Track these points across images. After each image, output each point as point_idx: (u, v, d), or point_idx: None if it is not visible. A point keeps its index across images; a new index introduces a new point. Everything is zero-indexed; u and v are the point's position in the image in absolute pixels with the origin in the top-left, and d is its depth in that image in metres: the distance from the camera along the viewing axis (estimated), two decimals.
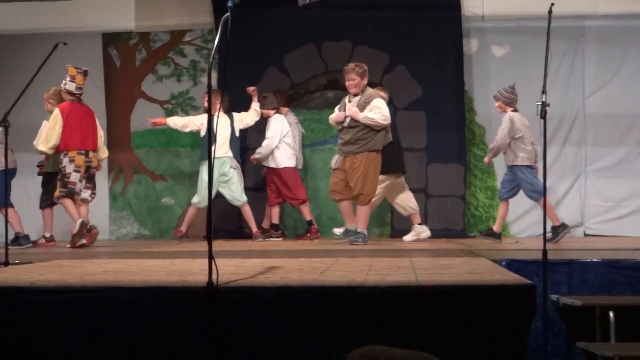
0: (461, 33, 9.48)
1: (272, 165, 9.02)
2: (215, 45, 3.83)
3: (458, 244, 7.68)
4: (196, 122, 8.86)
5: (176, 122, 8.95)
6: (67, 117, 7.86)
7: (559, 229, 7.71)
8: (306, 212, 9.06)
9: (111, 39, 10.26)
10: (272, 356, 3.51)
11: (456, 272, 4.20)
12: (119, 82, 10.22)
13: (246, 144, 9.47)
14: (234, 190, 8.73)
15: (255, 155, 9.05)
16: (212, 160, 3.71)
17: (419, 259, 5.27)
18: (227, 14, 3.77)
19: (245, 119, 8.94)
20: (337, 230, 8.07)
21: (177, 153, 10.06)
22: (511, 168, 7.85)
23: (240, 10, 3.95)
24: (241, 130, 9.00)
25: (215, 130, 4.03)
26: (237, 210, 9.12)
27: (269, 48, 9.61)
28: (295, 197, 9.01)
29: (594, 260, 5.38)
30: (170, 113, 9.98)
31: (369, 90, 7.73)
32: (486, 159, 8.16)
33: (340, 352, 2.09)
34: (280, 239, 9.01)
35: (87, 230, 7.86)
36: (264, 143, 8.96)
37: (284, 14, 9.38)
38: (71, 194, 7.87)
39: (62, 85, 8.00)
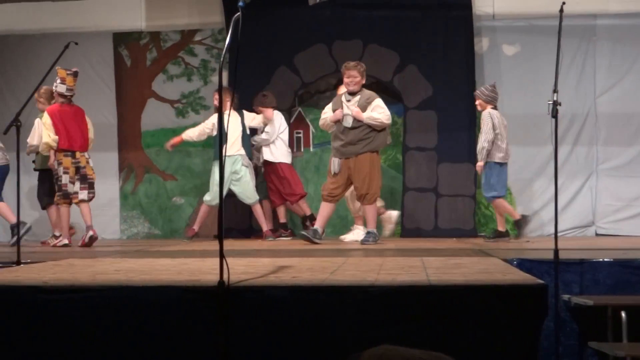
0: (472, 32, 9.46)
1: (270, 159, 9.09)
2: (226, 45, 3.81)
3: (469, 244, 7.67)
4: (208, 126, 8.88)
5: (190, 134, 8.98)
6: (52, 120, 7.91)
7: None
8: (305, 207, 9.09)
9: (122, 39, 10.29)
10: (283, 356, 3.50)
11: (467, 272, 4.19)
12: (129, 81, 10.25)
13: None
14: (246, 188, 8.74)
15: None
16: (224, 158, 3.71)
17: (430, 259, 5.25)
18: (238, 13, 3.76)
19: (255, 120, 8.96)
20: (305, 233, 7.80)
21: (188, 152, 10.08)
22: (486, 164, 7.92)
23: (251, 9, 3.95)
24: (250, 129, 9.03)
25: (226, 129, 4.03)
26: (247, 209, 9.13)
27: (280, 47, 9.61)
28: (293, 193, 9.06)
29: (605, 260, 5.35)
30: (180, 112, 10.04)
31: (366, 90, 7.73)
32: (478, 167, 8.13)
33: (351, 352, 2.08)
34: (290, 238, 9.02)
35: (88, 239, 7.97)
36: (262, 136, 9.07)
37: (295, 13, 9.39)
38: (67, 197, 7.94)
39: (54, 88, 8.03)
